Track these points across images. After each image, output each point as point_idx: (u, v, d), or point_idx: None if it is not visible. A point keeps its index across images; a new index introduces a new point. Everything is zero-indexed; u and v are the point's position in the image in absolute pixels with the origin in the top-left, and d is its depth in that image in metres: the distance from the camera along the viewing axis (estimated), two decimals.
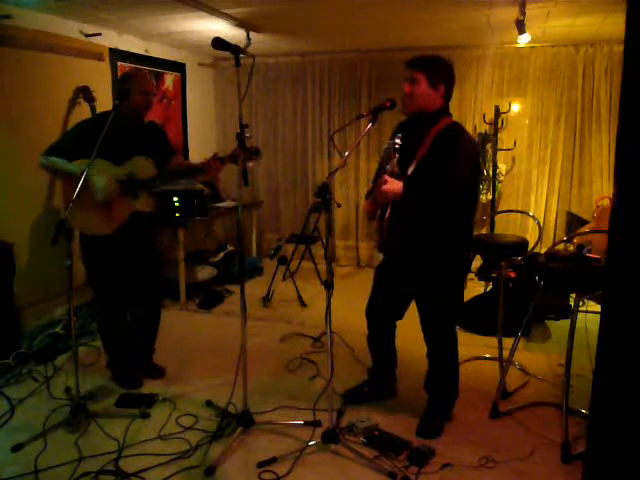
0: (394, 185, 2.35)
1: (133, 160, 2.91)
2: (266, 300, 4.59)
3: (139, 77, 2.93)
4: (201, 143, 5.83)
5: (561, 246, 4.43)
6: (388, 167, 2.41)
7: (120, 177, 2.88)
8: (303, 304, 4.55)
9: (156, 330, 3.26)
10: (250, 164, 2.55)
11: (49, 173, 2.93)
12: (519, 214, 5.21)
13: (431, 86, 2.43)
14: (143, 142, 2.97)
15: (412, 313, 2.74)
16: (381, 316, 2.81)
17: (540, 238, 4.19)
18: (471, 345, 3.61)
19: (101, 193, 2.84)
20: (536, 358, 3.47)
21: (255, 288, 4.77)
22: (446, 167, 2.34)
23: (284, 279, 5.02)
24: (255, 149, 2.63)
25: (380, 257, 2.81)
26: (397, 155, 2.38)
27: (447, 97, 2.50)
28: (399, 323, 2.83)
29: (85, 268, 3.03)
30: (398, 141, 2.38)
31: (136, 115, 2.95)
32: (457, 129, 2.49)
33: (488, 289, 4.31)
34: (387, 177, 2.37)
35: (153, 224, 3.14)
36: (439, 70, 2.46)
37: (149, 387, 3.09)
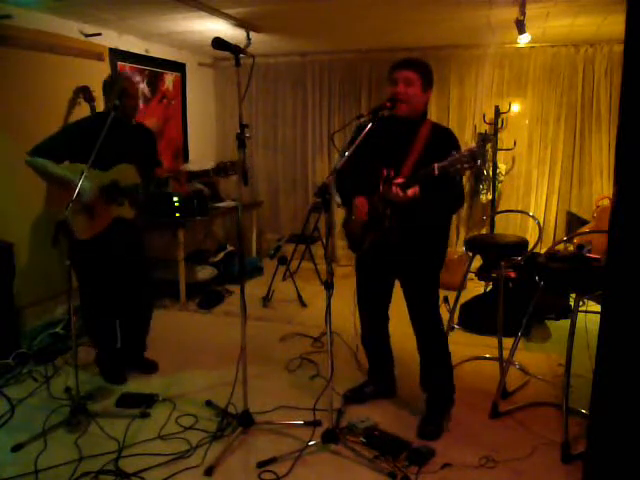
0: (414, 190, 2.35)
1: (118, 167, 2.92)
2: (266, 300, 4.59)
3: (126, 80, 2.94)
4: (201, 143, 5.84)
5: (561, 246, 4.43)
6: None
7: (103, 183, 2.89)
8: (303, 304, 4.55)
9: (147, 327, 3.29)
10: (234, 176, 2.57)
11: (34, 172, 2.91)
12: (519, 214, 5.21)
13: (423, 89, 2.47)
14: (130, 147, 2.98)
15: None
16: (375, 308, 2.83)
17: (540, 238, 4.19)
18: (471, 345, 3.61)
19: (85, 196, 2.81)
20: (536, 358, 3.47)
21: (255, 288, 4.77)
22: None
23: (284, 279, 5.01)
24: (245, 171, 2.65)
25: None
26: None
27: (427, 102, 2.57)
28: (396, 322, 2.83)
29: (74, 271, 3.02)
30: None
31: (124, 118, 2.94)
32: (446, 129, 2.59)
33: (488, 289, 4.30)
34: (401, 179, 2.37)
35: (139, 229, 3.16)
36: (430, 75, 2.51)
37: (149, 387, 3.09)
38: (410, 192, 2.32)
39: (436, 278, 2.66)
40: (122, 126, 2.93)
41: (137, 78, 4.74)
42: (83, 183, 2.76)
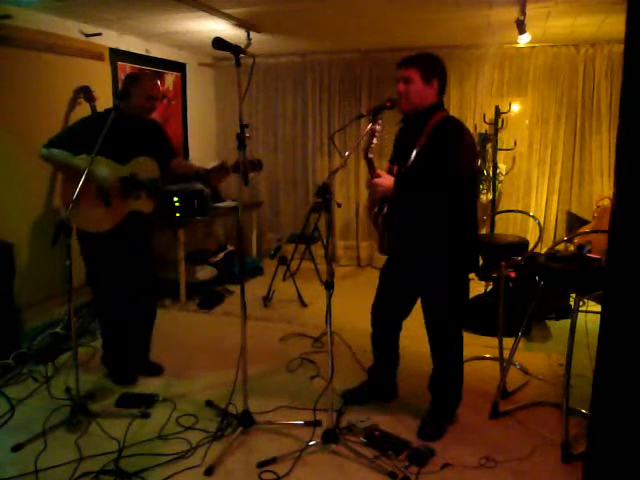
0: (386, 180, 2.39)
1: (136, 160, 2.93)
2: (266, 300, 4.59)
3: (144, 80, 2.90)
4: (201, 143, 5.84)
5: (561, 246, 4.43)
6: (370, 155, 2.44)
7: (122, 175, 2.90)
8: (303, 304, 4.55)
9: (151, 328, 3.27)
10: (251, 175, 2.57)
11: (49, 165, 2.92)
12: (519, 214, 5.21)
13: (425, 82, 2.45)
14: (146, 142, 2.99)
15: (414, 313, 2.74)
16: (388, 315, 2.79)
17: (540, 238, 4.18)
18: (471, 345, 3.58)
19: (105, 182, 2.83)
20: (536, 358, 3.47)
21: (255, 288, 4.77)
22: (444, 161, 2.34)
23: (284, 279, 5.01)
24: (257, 161, 2.67)
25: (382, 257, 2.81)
26: (374, 141, 2.43)
27: (441, 92, 2.52)
28: (404, 323, 2.82)
29: (85, 265, 3.04)
30: (378, 127, 2.41)
31: (139, 115, 2.95)
32: (453, 122, 2.50)
33: (488, 289, 4.30)
34: (380, 171, 2.44)
35: (151, 225, 3.15)
36: (431, 65, 2.49)
37: (150, 387, 3.09)
38: (375, 181, 2.38)
39: (453, 295, 2.57)
40: (137, 122, 2.94)
41: None
42: (100, 172, 2.79)
